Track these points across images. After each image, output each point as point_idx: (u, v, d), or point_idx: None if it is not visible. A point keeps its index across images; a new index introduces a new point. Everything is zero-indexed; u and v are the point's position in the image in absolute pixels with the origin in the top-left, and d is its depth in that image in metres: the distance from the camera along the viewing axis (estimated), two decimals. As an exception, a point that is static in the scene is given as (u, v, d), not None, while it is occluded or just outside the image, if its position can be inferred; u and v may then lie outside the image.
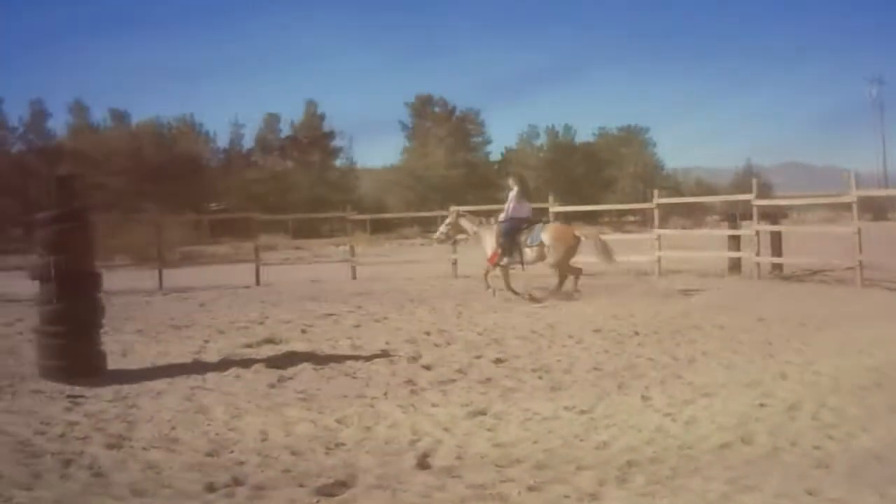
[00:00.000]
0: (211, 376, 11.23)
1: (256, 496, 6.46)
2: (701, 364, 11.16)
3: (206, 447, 7.94)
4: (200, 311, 18.91)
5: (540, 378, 10.62)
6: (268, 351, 13.06)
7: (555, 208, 26.74)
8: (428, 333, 14.22)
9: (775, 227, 23.37)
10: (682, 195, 63.00)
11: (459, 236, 21.66)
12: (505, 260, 19.61)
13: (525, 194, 20.30)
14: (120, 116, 77.96)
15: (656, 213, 25.60)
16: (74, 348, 11.37)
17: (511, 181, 20.69)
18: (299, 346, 13.39)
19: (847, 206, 23.48)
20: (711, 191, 76.55)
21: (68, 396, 10.33)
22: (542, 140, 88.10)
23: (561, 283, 19.43)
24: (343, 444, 7.89)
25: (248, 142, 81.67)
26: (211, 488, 6.66)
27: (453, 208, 21.03)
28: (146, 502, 6.43)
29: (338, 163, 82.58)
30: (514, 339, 13.45)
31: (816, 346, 11.97)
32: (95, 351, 11.79)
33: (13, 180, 68.99)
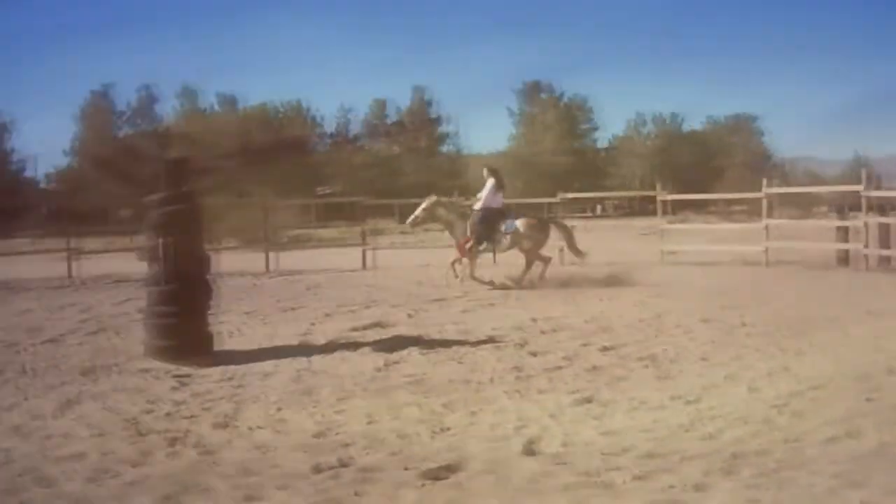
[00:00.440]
0: (318, 359, 11.39)
1: (363, 478, 6.53)
2: (809, 356, 10.93)
3: (313, 429, 8.06)
4: (307, 293, 19.14)
5: (647, 367, 10.54)
6: (375, 334, 13.15)
7: (662, 196, 26.49)
8: (535, 320, 14.18)
9: (885, 219, 22.82)
10: (790, 185, 61.88)
11: (433, 223, 21.68)
12: (479, 247, 20.01)
13: (499, 186, 20.53)
14: (228, 101, 78.87)
15: (765, 202, 25.22)
16: (183, 329, 11.66)
17: (486, 172, 20.77)
18: (406, 331, 13.48)
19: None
20: (821, 181, 75.04)
21: (175, 376, 10.63)
22: (649, 128, 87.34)
23: (528, 269, 20.08)
24: (449, 429, 7.94)
25: (355, 127, 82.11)
26: (318, 469, 6.77)
27: (431, 196, 20.91)
28: (253, 481, 6.54)
29: (445, 148, 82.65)
30: (621, 328, 13.34)
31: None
32: (204, 332, 12.06)
33: (122, 163, 70.25)
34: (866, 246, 22.05)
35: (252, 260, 26.12)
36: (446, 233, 21.00)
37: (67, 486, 6.56)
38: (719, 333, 12.66)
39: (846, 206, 26.10)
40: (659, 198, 26.41)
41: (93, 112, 75.21)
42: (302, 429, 8.08)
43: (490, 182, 20.11)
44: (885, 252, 21.98)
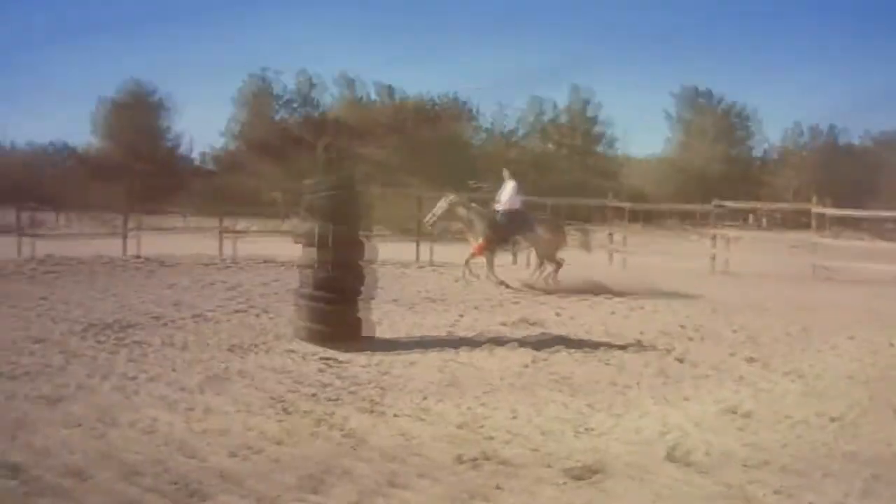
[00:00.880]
0: (464, 351, 11.41)
1: (504, 472, 6.49)
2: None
3: (457, 420, 8.06)
4: (455, 285, 19.18)
5: (792, 381, 10.24)
6: (522, 331, 13.13)
7: (817, 209, 25.85)
8: (682, 326, 13.97)
9: None
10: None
11: (452, 222, 21.41)
12: (498, 247, 20.04)
13: (519, 188, 20.60)
14: (386, 91, 79.53)
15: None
16: (333, 313, 11.83)
17: (506, 174, 20.71)
18: (554, 329, 13.42)
19: None
20: None
21: (322, 359, 10.79)
22: (805, 139, 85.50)
23: (556, 270, 20.07)
24: (593, 430, 7.86)
25: (511, 122, 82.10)
26: (460, 460, 6.75)
27: (449, 194, 20.54)
28: (395, 468, 6.55)
29: (600, 149, 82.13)
30: (767, 339, 13.04)
31: None
32: (353, 317, 12.19)
33: (280, 147, 71.47)
34: None
35: (402, 250, 26.29)
36: (599, 234, 20.81)
37: (211, 460, 6.68)
38: (866, 352, 12.27)
39: None
40: (814, 210, 25.77)
41: (251, 95, 76.51)
42: (446, 419, 8.09)
43: (511, 183, 20.28)
44: None
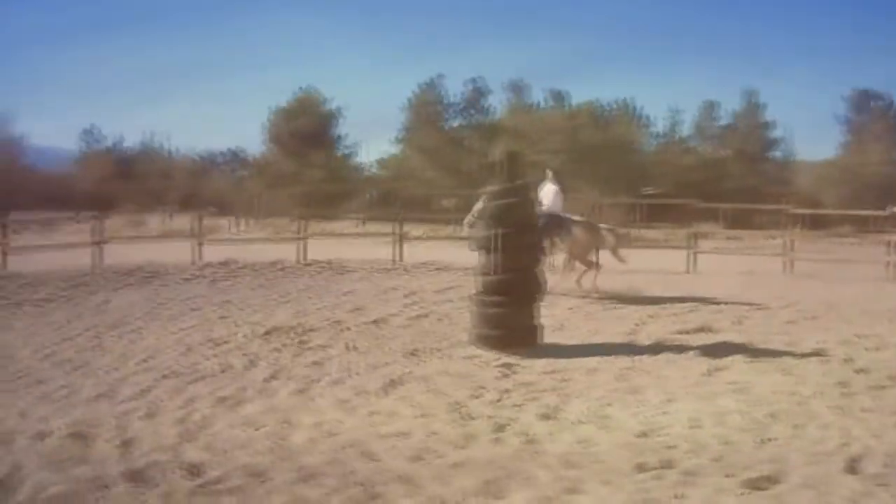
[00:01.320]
0: (643, 359, 11.32)
1: (685, 481, 6.43)
2: None
3: (637, 428, 8.01)
4: (630, 293, 19.02)
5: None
6: (701, 339, 12.92)
7: None
8: (860, 336, 13.60)
9: None
10: None
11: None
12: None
13: (563, 189, 19.76)
14: (558, 97, 79.43)
15: None
16: (512, 319, 11.90)
17: (549, 175, 19.66)
18: (732, 337, 13.16)
19: None
20: None
21: (502, 364, 10.86)
22: None
23: (593, 270, 19.59)
24: (773, 440, 7.71)
25: (685, 128, 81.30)
26: (640, 468, 6.72)
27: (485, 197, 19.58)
28: (576, 474, 6.55)
29: (774, 154, 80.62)
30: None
31: None
32: (531, 323, 12.24)
33: (450, 154, 71.99)
34: None
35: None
36: (774, 240, 20.26)
37: (391, 463, 6.80)
38: None
39: None
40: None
41: (422, 102, 77.25)
42: (625, 427, 8.05)
43: (554, 186, 19.46)
44: None
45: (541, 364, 10.88)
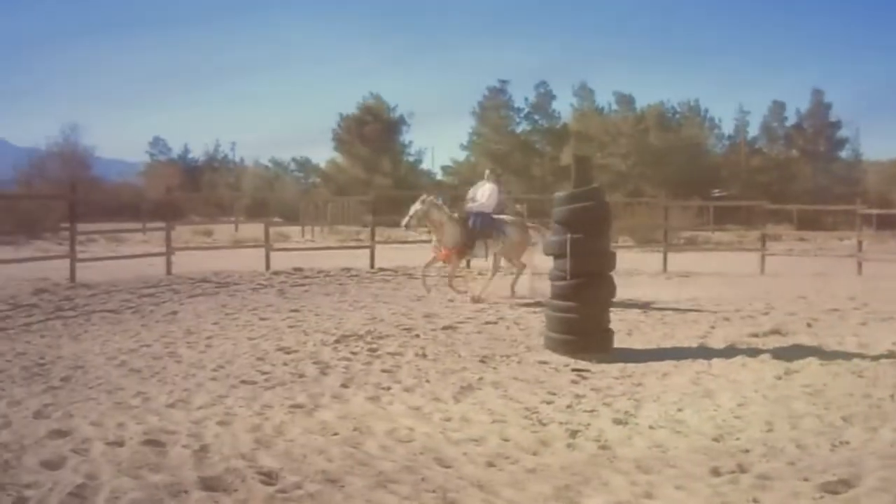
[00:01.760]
0: (716, 362, 11.28)
1: (760, 486, 6.37)
2: None
3: (712, 432, 7.97)
4: (703, 296, 18.94)
5: None
6: (774, 342, 12.85)
7: None
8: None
9: None
10: None
11: (426, 226, 19.05)
12: (467, 254, 18.81)
13: (501, 189, 19.39)
14: (625, 100, 79.33)
15: None
16: (584, 324, 11.92)
17: (487, 174, 19.37)
18: (804, 340, 13.08)
19: None
20: None
21: (575, 370, 10.89)
22: None
23: (519, 276, 18.99)
24: (848, 443, 7.62)
25: (753, 129, 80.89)
26: (716, 473, 6.68)
27: (424, 195, 18.72)
28: (651, 479, 6.54)
29: (843, 154, 79.87)
30: None
31: None
32: (604, 328, 12.28)
33: (519, 159, 72.20)
34: None
35: (645, 260, 26.15)
36: (844, 241, 19.95)
37: (465, 469, 6.81)
38: None
39: None
40: None
41: (490, 107, 77.51)
42: (701, 431, 8.01)
43: (491, 185, 18.97)
44: None
45: (613, 369, 10.94)
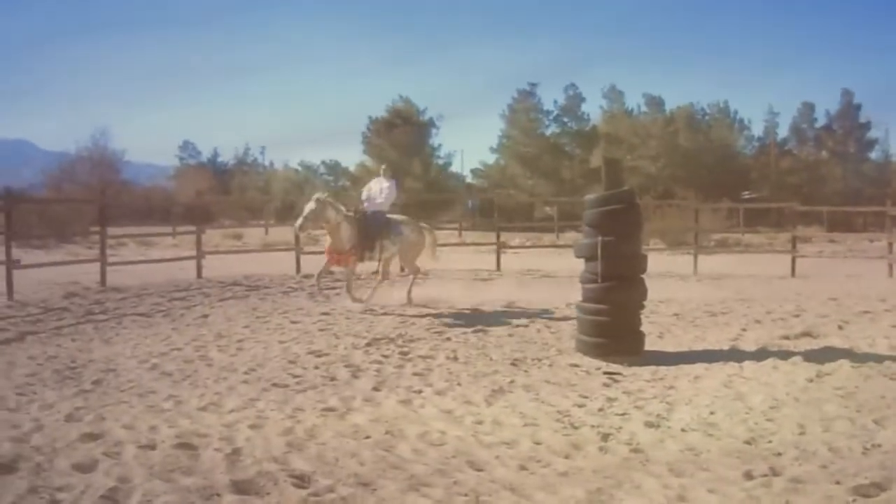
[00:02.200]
0: (748, 365, 11.23)
1: (793, 489, 6.36)
2: None
3: (744, 435, 7.95)
4: (734, 298, 18.87)
5: None
6: (805, 344, 12.80)
7: None
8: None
9: None
10: None
11: (320, 225, 17.76)
12: (366, 255, 17.59)
13: (398, 187, 18.75)
14: (655, 102, 79.13)
15: None
16: (616, 327, 11.93)
17: (383, 170, 18.53)
18: (836, 342, 12.99)
19: None
20: None
21: (606, 373, 10.91)
22: None
23: (414, 281, 18.35)
24: (880, 446, 7.57)
25: (782, 131, 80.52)
26: (749, 476, 6.66)
27: (317, 194, 17.69)
28: (684, 482, 6.53)
29: (873, 155, 79.40)
30: None
31: None
32: (635, 331, 12.27)
33: (549, 162, 72.12)
34: None
35: (676, 262, 26.09)
36: (875, 243, 19.76)
37: (498, 472, 6.83)
38: None
39: None
40: None
41: (520, 110, 77.44)
42: (733, 434, 7.99)
43: (388, 182, 18.16)
44: None
45: (645, 372, 10.95)
